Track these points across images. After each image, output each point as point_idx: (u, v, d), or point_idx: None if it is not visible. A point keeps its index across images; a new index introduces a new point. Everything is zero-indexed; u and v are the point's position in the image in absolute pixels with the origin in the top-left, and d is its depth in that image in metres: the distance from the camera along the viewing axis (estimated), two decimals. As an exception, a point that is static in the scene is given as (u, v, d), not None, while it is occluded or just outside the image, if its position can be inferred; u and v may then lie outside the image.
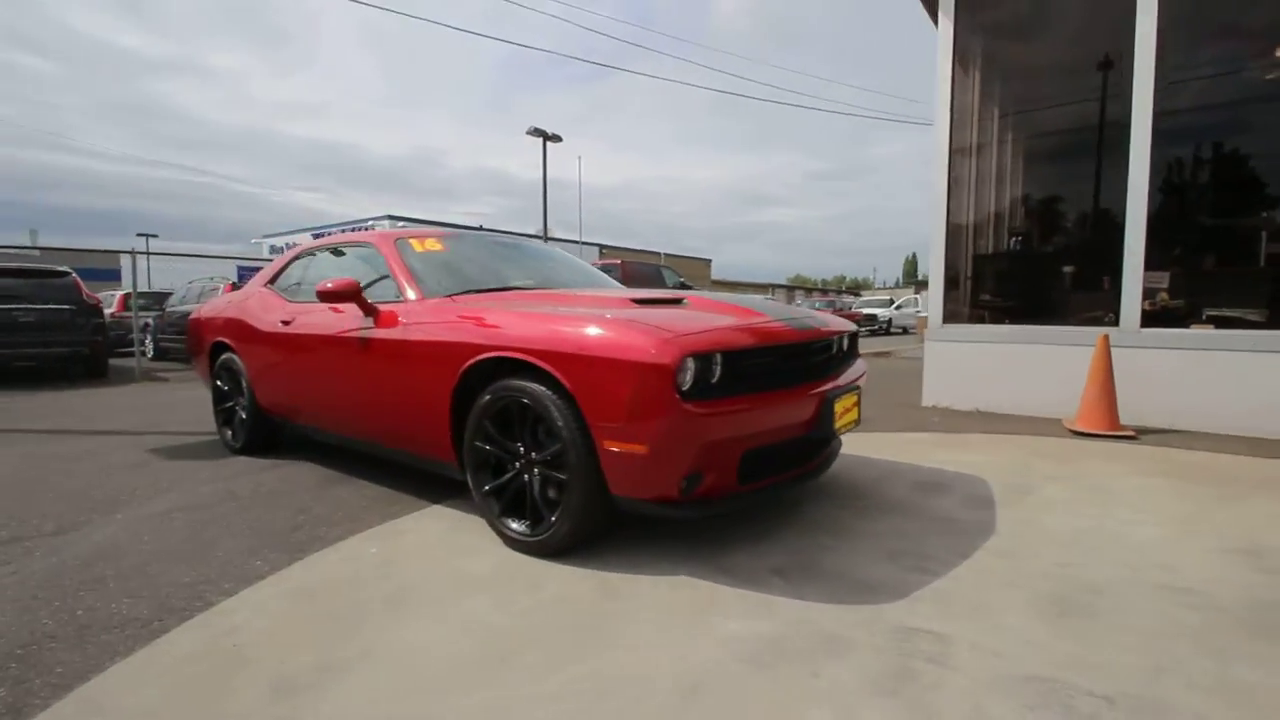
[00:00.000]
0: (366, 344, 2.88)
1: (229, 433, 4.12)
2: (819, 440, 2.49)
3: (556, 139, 22.76)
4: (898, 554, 2.31)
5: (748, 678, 1.59)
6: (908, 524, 2.62)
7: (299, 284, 3.66)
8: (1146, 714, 1.43)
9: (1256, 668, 1.60)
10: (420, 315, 2.72)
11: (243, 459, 3.88)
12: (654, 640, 1.77)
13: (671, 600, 2.00)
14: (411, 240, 3.25)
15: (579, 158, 30.65)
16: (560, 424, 2.16)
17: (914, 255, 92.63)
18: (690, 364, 1.99)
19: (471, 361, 2.41)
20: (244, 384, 3.83)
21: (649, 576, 2.16)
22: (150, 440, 4.51)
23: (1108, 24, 4.84)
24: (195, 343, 4.42)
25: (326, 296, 2.88)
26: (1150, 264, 4.43)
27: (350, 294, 2.87)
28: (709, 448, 2.04)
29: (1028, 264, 5.52)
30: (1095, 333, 4.26)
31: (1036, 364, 4.72)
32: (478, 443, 2.47)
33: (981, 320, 5.38)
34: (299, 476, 3.47)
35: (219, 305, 4.30)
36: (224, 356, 4.02)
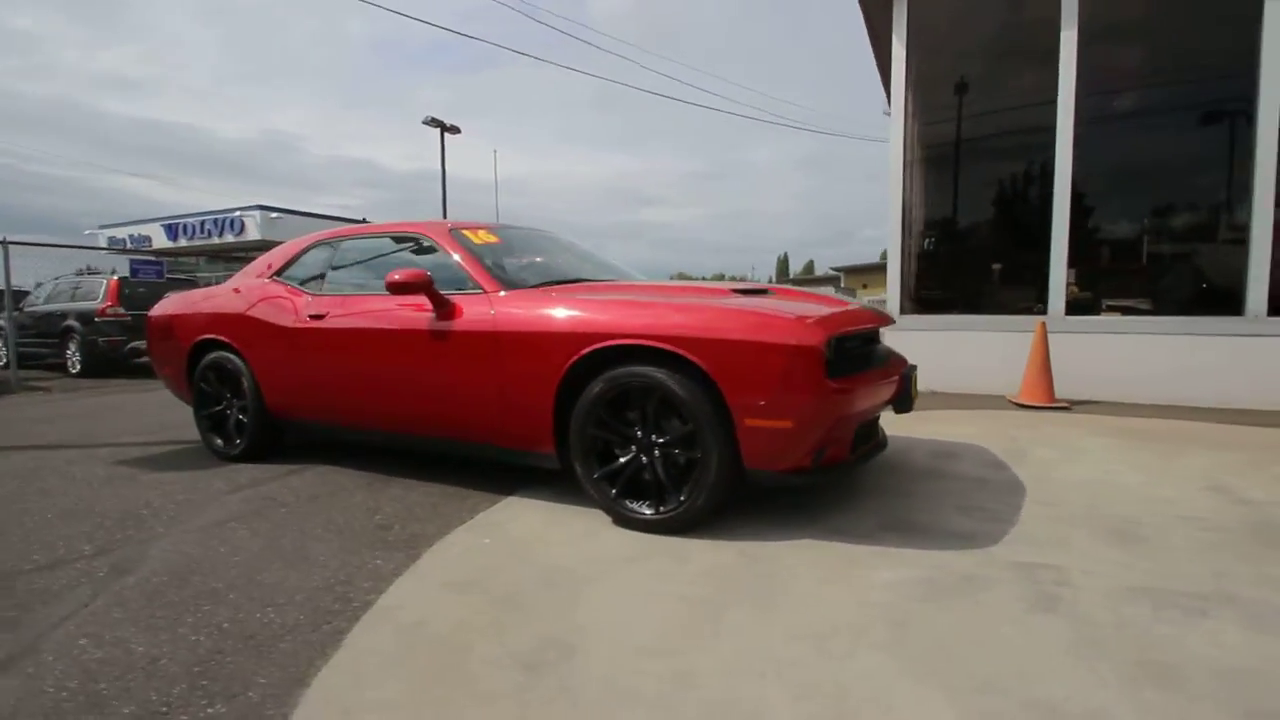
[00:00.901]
0: (444, 336, 2.82)
1: (218, 439, 3.77)
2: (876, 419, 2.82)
3: (455, 130, 21.99)
4: (965, 509, 2.68)
5: (932, 612, 1.83)
6: (951, 485, 3.01)
7: (321, 276, 3.45)
8: (1228, 606, 1.85)
9: (1281, 567, 2.10)
10: (511, 306, 2.71)
11: (245, 466, 3.58)
12: (824, 594, 1.97)
13: (813, 559, 2.21)
14: (465, 231, 3.20)
15: (494, 151, 29.73)
16: (694, 405, 2.30)
17: (786, 254, 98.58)
18: (833, 345, 2.22)
19: (587, 350, 2.47)
20: (246, 385, 3.54)
21: (776, 542, 2.35)
22: (105, 453, 4.01)
23: (1033, 43, 5.63)
24: (164, 344, 3.99)
25: (398, 288, 2.80)
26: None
27: (421, 285, 2.80)
28: (839, 421, 2.28)
29: (962, 262, 6.28)
30: (1030, 320, 4.98)
31: (979, 348, 5.42)
32: (590, 430, 2.53)
33: (922, 311, 6.05)
34: (332, 480, 3.28)
35: (194, 300, 3.91)
36: (213, 356, 3.68)
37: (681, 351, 2.30)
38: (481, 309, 2.77)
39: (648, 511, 2.46)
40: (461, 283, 2.92)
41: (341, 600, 1.99)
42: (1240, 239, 4.60)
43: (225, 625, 1.84)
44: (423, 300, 2.90)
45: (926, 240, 7.20)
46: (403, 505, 2.87)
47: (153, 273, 8.30)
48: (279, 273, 3.62)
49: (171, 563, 2.28)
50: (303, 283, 3.48)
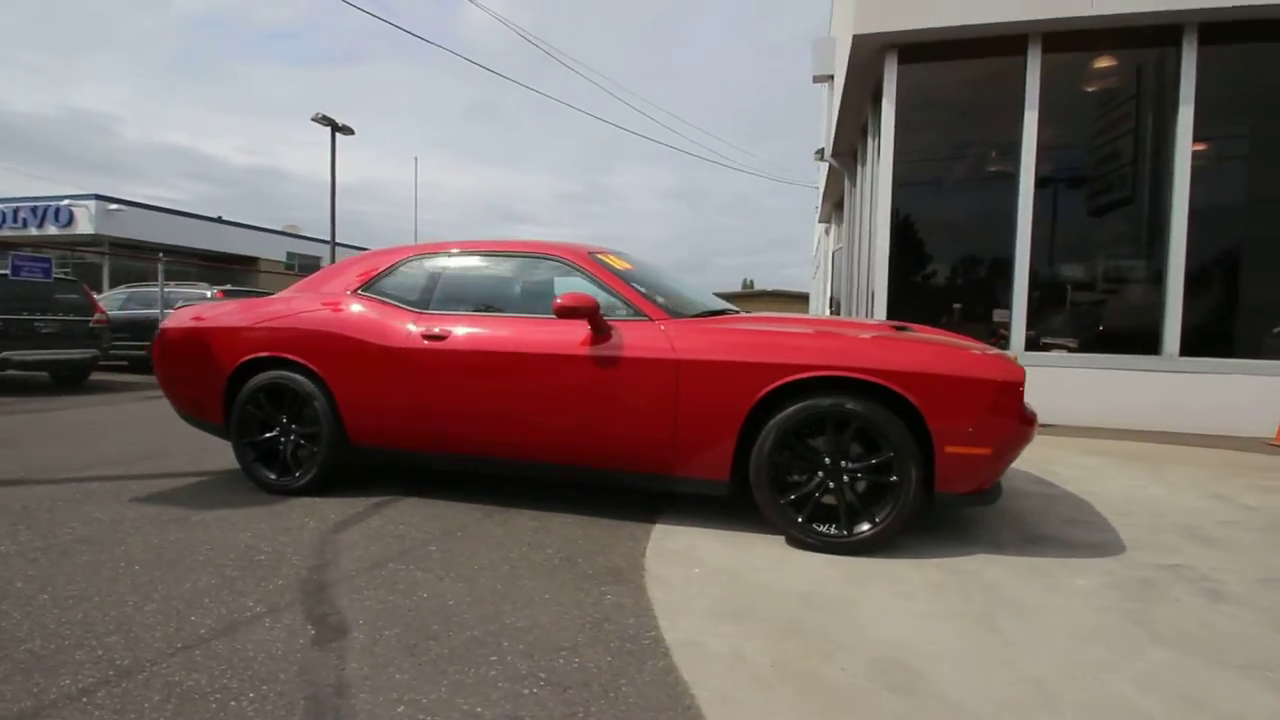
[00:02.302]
0: (611, 363, 2.76)
1: (268, 471, 3.33)
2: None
3: (348, 131, 20.49)
4: (1068, 522, 3.08)
5: (1148, 610, 2.14)
6: (1026, 502, 3.43)
7: (428, 293, 3.19)
8: (1330, 591, 2.35)
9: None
10: (690, 336, 2.73)
11: (311, 500, 3.20)
12: (1054, 602, 2.21)
13: (1008, 573, 2.45)
14: (602, 255, 3.15)
15: (415, 159, 27.91)
16: (895, 434, 2.48)
17: None
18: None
19: (782, 382, 2.57)
20: (319, 409, 3.18)
21: (957, 559, 2.58)
22: (112, 488, 3.37)
23: (998, 114, 6.50)
24: (192, 362, 3.45)
25: (566, 313, 2.73)
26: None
27: (589, 311, 2.75)
28: (1022, 448, 2.58)
29: (925, 302, 7.00)
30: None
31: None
32: (776, 457, 2.62)
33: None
34: (440, 513, 3.05)
35: (239, 313, 3.43)
36: (268, 377, 3.26)
37: (889, 384, 2.48)
38: (654, 337, 2.76)
39: (832, 534, 2.59)
40: (633, 310, 2.89)
41: (628, 639, 1.91)
42: (1158, 287, 5.67)
43: (541, 676, 1.72)
44: (576, 325, 2.83)
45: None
46: (563, 539, 2.75)
47: (39, 271, 6.91)
48: (367, 287, 3.30)
49: (384, 613, 2.04)
50: (404, 300, 3.21)
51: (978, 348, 2.74)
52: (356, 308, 3.22)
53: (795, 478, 2.67)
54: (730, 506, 3.13)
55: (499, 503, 3.20)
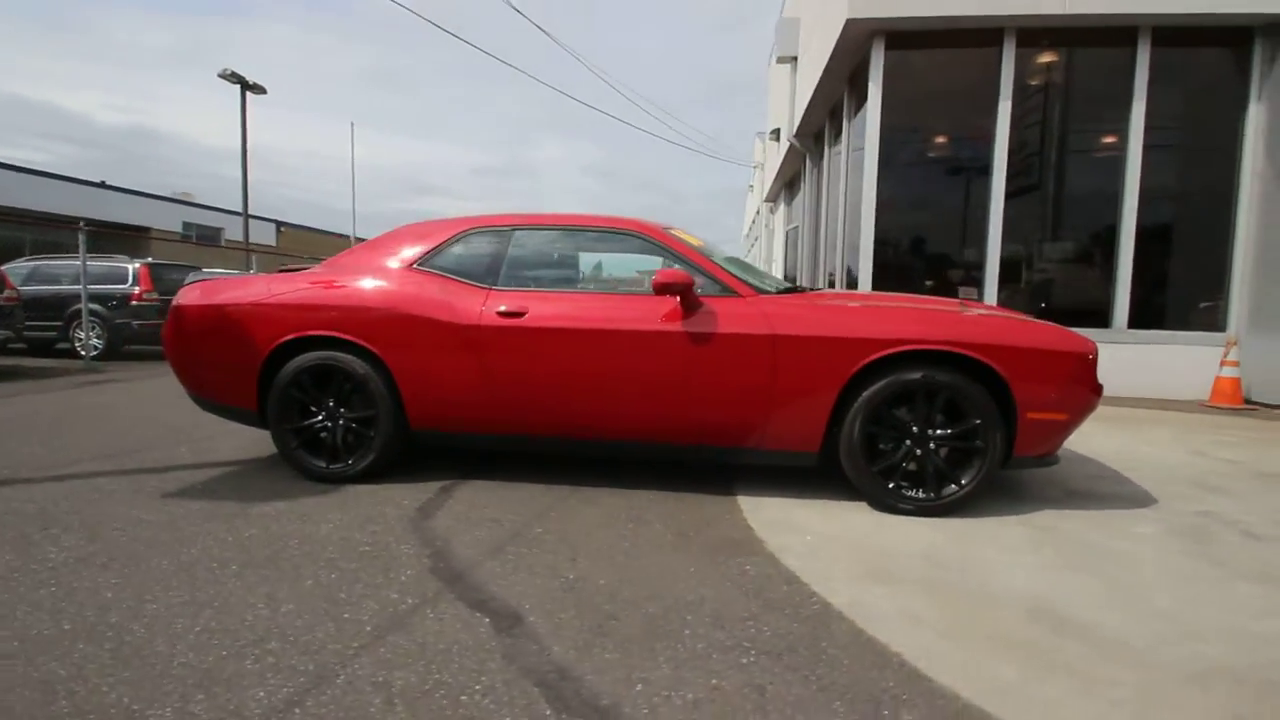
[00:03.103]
0: (705, 340, 2.76)
1: (315, 458, 3.11)
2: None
3: (260, 90, 18.78)
4: (1094, 479, 3.40)
5: (1216, 550, 2.43)
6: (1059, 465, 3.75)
7: (494, 268, 3.04)
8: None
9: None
10: (784, 311, 2.78)
11: (376, 488, 3.03)
12: (1136, 549, 2.45)
13: (1083, 524, 2.69)
14: (675, 231, 3.12)
15: (351, 124, 25.65)
16: (983, 403, 2.65)
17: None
18: (1095, 352, 2.74)
19: (878, 356, 2.67)
20: (376, 391, 2.99)
21: (1029, 514, 2.80)
22: (129, 483, 3.03)
23: (972, 102, 6.83)
24: (221, 342, 3.13)
25: (664, 289, 2.72)
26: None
27: (684, 287, 2.74)
28: (1089, 414, 2.81)
29: (902, 277, 7.33)
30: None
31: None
32: (868, 428, 2.74)
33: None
34: (512, 497, 2.96)
35: (275, 289, 3.14)
36: (313, 357, 3.03)
37: (979, 356, 2.64)
38: (747, 313, 2.79)
39: (924, 498, 2.75)
40: (721, 286, 2.90)
41: (798, 606, 1.97)
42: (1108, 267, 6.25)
43: (747, 645, 1.74)
44: (663, 301, 2.82)
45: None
46: (653, 513, 2.76)
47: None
48: (425, 261, 3.11)
49: (543, 597, 1.99)
50: (469, 276, 3.06)
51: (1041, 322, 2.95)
52: (418, 283, 3.03)
53: (882, 447, 2.80)
54: (797, 474, 3.24)
55: (565, 482, 3.15)
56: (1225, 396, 5.71)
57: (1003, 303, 6.56)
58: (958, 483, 2.73)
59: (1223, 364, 5.76)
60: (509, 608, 1.92)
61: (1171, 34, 5.84)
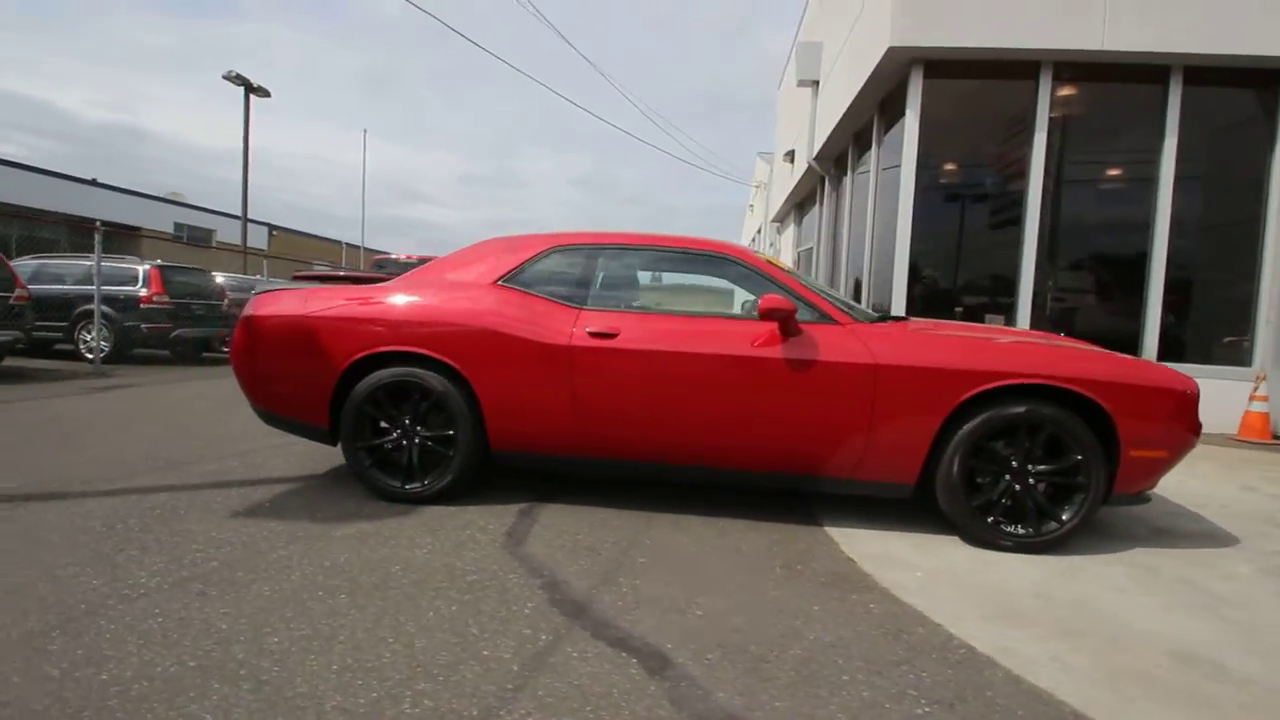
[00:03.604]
0: (804, 367, 2.72)
1: (388, 478, 3.00)
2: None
3: (264, 93, 18.58)
4: (1172, 515, 3.40)
5: (1322, 596, 2.43)
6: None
7: (583, 287, 2.98)
8: None
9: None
10: (885, 341, 2.74)
11: (455, 510, 2.93)
12: (1244, 589, 2.43)
13: (1183, 562, 2.67)
14: (768, 257, 3.08)
15: (364, 131, 25.45)
16: (1086, 439, 2.63)
17: None
18: (1195, 391, 2.74)
19: (981, 389, 2.64)
20: (457, 409, 2.90)
21: (1129, 553, 2.78)
22: (192, 499, 2.90)
23: (1009, 132, 6.93)
24: (295, 355, 3.03)
25: (770, 315, 2.68)
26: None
27: (788, 314, 2.70)
28: (1188, 453, 2.80)
29: (934, 304, 7.37)
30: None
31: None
32: (968, 461, 2.70)
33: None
34: (597, 521, 2.89)
35: (353, 302, 3.05)
36: (397, 373, 2.93)
37: (1085, 392, 2.62)
38: (848, 341, 2.75)
39: (1023, 534, 2.72)
40: (819, 314, 2.86)
41: (945, 650, 1.91)
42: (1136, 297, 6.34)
43: (913, 693, 1.68)
44: (759, 326, 2.78)
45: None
46: (752, 544, 2.69)
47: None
48: (508, 278, 3.04)
49: (681, 635, 1.92)
50: (556, 294, 2.99)
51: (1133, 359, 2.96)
52: (506, 301, 2.96)
53: (979, 480, 2.76)
54: (879, 504, 3.20)
55: (641, 507, 3.08)
56: (1254, 431, 5.78)
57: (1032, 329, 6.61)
58: (1058, 519, 2.70)
59: (1252, 398, 5.85)
60: (650, 647, 1.84)
61: (1202, 73, 5.97)
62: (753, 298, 3.00)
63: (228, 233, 26.83)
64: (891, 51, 6.09)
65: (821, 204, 10.91)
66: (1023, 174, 6.33)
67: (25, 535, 2.45)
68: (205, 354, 10.05)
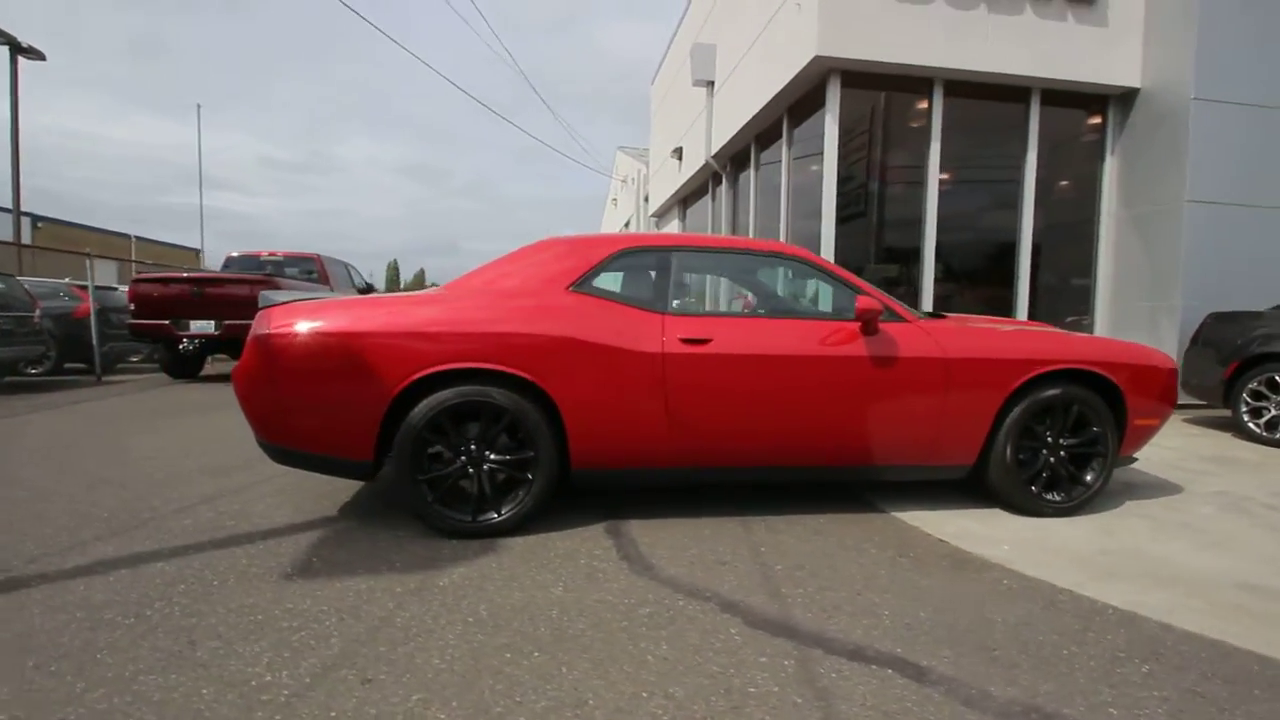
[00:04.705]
0: (888, 364, 2.85)
1: (455, 513, 2.67)
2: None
3: (36, 55, 15.03)
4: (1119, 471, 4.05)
5: (1258, 518, 3.06)
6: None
7: (660, 290, 2.84)
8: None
9: None
10: (949, 336, 2.96)
11: (530, 540, 2.67)
12: (1229, 523, 3.00)
13: (1172, 510, 3.21)
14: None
15: (198, 106, 20.66)
16: (1105, 413, 3.07)
17: (395, 261, 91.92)
18: (1168, 369, 3.29)
19: (1033, 375, 2.97)
20: (533, 428, 2.66)
21: (1140, 503, 3.28)
22: (229, 562, 2.34)
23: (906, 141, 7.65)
24: (338, 376, 2.56)
25: (869, 314, 2.77)
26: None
27: (876, 314, 2.83)
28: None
29: None
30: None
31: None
32: (1019, 441, 3.03)
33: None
34: (706, 533, 2.81)
35: (390, 312, 2.64)
36: (463, 393, 2.60)
37: (1104, 373, 3.04)
38: (920, 338, 2.93)
39: (1062, 500, 3.10)
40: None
41: (1121, 624, 2.11)
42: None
43: (1145, 673, 1.86)
44: (838, 327, 2.88)
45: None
46: (852, 537, 2.78)
47: None
48: (579, 283, 2.80)
49: (893, 638, 1.94)
50: (633, 299, 2.82)
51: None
52: (584, 307, 2.74)
53: (1022, 457, 3.10)
54: (922, 487, 3.44)
55: (715, 513, 3.05)
56: (1101, 393, 7.06)
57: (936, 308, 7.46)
58: (1084, 484, 3.12)
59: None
60: (886, 654, 1.85)
61: (1054, 95, 7.12)
62: (812, 296, 3.09)
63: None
64: (816, 60, 6.49)
65: (714, 199, 11.36)
66: (921, 178, 7.11)
67: (23, 645, 1.83)
68: (9, 378, 8.06)
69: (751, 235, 9.73)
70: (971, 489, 3.34)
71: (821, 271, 3.06)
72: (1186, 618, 2.10)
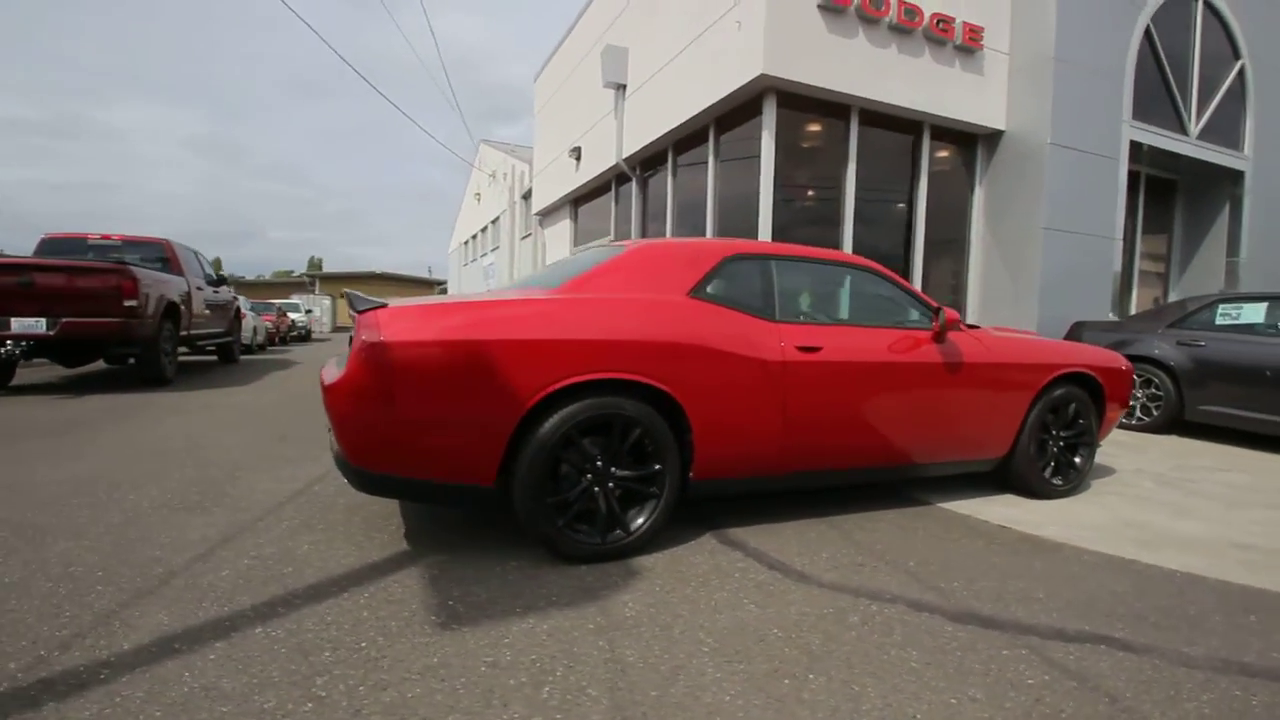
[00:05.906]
0: (956, 369, 3.12)
1: (583, 536, 2.46)
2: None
3: None
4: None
5: (1173, 489, 3.84)
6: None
7: (768, 299, 2.82)
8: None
9: None
10: (992, 343, 3.31)
11: (657, 559, 2.55)
12: (1179, 499, 3.72)
13: (1128, 488, 3.88)
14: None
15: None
16: (1095, 407, 3.65)
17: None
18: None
19: (1055, 375, 3.44)
20: (660, 440, 2.54)
21: (1124, 485, 3.91)
22: (340, 618, 1.92)
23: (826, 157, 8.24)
24: (463, 391, 2.21)
25: (954, 325, 3.02)
26: None
27: (957, 324, 3.10)
28: (1117, 414, 4.03)
29: None
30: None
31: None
32: (1041, 434, 3.48)
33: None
34: (826, 537, 2.86)
35: (517, 316, 2.35)
36: (595, 405, 2.40)
37: (1095, 375, 3.61)
38: (975, 345, 3.25)
39: (1064, 485, 3.61)
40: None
41: (1174, 580, 2.55)
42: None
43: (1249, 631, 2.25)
44: (917, 335, 3.11)
45: None
46: (927, 530, 3.00)
47: None
48: (695, 290, 2.69)
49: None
50: (745, 307, 2.77)
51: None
52: (708, 314, 2.65)
53: (1031, 449, 3.57)
54: (945, 479, 3.80)
55: (792, 517, 3.13)
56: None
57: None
58: (1078, 468, 3.67)
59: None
60: (1088, 632, 2.05)
61: (940, 132, 8.18)
62: (877, 306, 3.29)
63: None
64: (760, 78, 6.83)
65: (617, 200, 11.40)
66: (839, 195, 7.78)
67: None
68: None
69: (669, 238, 9.92)
70: (974, 479, 3.76)
71: (892, 283, 3.28)
72: (1232, 573, 2.59)
